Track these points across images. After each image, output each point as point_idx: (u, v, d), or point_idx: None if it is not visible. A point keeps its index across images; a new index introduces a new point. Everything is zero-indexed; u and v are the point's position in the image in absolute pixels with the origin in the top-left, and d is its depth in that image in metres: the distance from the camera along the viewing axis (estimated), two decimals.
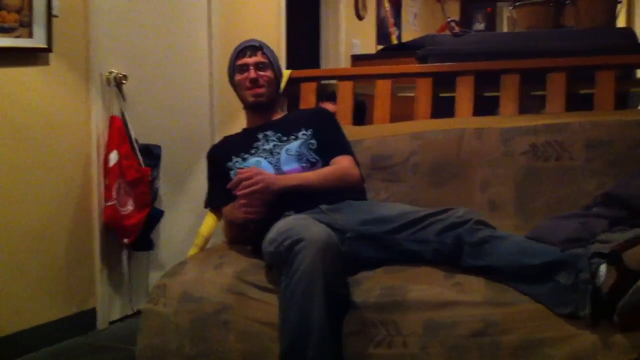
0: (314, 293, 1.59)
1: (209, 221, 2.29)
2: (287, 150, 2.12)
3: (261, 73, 2.18)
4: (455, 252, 1.70)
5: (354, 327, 1.67)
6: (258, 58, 2.19)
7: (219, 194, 2.17)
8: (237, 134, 2.29)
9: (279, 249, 1.68)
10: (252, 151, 2.15)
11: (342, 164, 2.13)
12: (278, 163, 2.09)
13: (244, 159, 2.14)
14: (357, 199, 2.05)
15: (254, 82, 2.16)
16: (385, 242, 1.81)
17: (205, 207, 2.29)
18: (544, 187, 2.16)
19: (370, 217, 1.86)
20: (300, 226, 1.70)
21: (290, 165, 2.09)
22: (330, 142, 2.17)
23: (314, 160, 2.12)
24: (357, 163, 2.19)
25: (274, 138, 2.15)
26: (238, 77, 2.20)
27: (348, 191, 2.05)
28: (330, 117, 2.32)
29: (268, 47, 2.25)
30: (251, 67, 2.17)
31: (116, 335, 2.90)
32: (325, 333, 1.59)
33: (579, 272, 1.54)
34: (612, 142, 2.13)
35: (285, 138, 2.15)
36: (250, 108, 2.23)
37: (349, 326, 1.67)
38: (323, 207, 1.95)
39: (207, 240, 2.24)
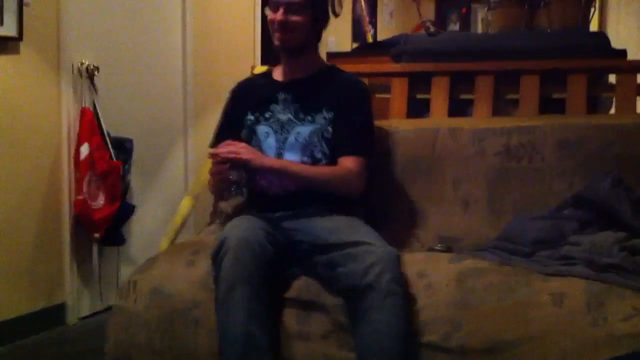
0: (232, 303, 1.62)
1: (182, 211, 2.27)
2: (297, 133, 1.97)
3: (292, 17, 1.93)
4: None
5: (325, 329, 1.67)
6: None
7: (224, 136, 2.03)
8: (264, 78, 2.14)
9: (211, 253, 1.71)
10: (267, 114, 2.01)
11: (345, 167, 1.94)
12: (283, 145, 1.97)
13: (258, 121, 2.02)
14: (334, 211, 1.91)
15: (281, 26, 1.94)
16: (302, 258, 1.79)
17: (211, 147, 2.09)
18: (515, 186, 2.18)
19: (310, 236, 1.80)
20: (227, 230, 1.71)
21: (292, 155, 1.96)
22: (345, 135, 1.96)
23: (319, 156, 1.97)
24: (367, 168, 1.97)
25: (292, 109, 1.99)
26: (269, 14, 1.98)
27: (332, 201, 1.93)
28: (363, 98, 2.05)
29: None
30: (281, 7, 1.93)
31: (86, 331, 2.86)
32: (251, 341, 1.60)
33: None
34: (582, 144, 2.16)
35: (302, 115, 1.98)
36: (280, 52, 2.04)
37: (320, 329, 1.68)
38: (279, 214, 1.91)
39: (179, 230, 2.23)
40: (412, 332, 1.61)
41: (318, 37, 2.05)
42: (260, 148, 2.00)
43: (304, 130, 1.98)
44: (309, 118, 1.99)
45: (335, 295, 1.69)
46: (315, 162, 1.97)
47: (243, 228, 1.71)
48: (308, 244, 1.78)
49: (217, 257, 1.69)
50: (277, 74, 2.10)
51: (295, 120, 1.99)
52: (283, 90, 2.04)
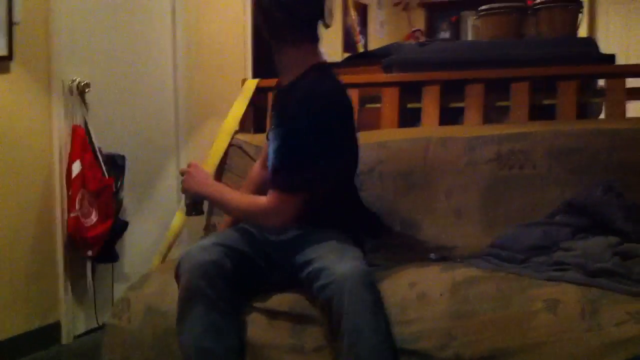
0: (188, 320, 1.68)
1: (175, 226, 2.27)
2: (271, 152, 1.88)
3: (258, 6, 1.86)
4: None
5: (319, 342, 1.66)
6: None
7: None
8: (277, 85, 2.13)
9: None
10: (271, 129, 1.93)
11: (260, 202, 1.81)
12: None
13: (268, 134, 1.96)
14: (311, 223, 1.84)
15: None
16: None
17: None
18: (508, 195, 2.18)
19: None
20: (183, 253, 1.76)
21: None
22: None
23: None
24: (290, 203, 1.76)
25: (273, 122, 1.93)
26: None
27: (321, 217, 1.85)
28: (302, 115, 1.74)
29: None
30: None
31: (81, 350, 2.85)
32: (205, 355, 1.65)
33: None
34: (573, 151, 2.16)
35: (273, 129, 1.89)
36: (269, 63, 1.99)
37: (313, 342, 1.67)
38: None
39: (171, 246, 2.23)
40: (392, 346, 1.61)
41: (292, 36, 1.83)
42: None
43: (270, 149, 1.87)
44: (271, 136, 1.87)
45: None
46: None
47: (198, 249, 1.74)
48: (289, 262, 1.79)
49: (177, 280, 1.74)
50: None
51: (271, 136, 1.90)
52: (274, 100, 2.05)
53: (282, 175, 1.77)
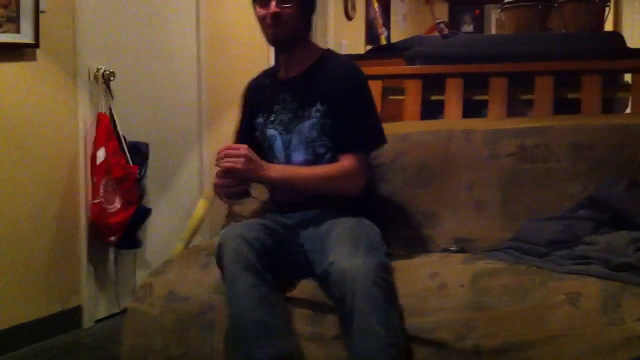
0: (239, 294, 1.65)
1: (198, 214, 2.28)
2: (299, 131, 1.94)
3: (285, 7, 1.89)
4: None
5: (339, 331, 1.66)
6: None
7: (242, 139, 2.06)
8: (269, 76, 2.10)
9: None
10: (273, 117, 2.00)
11: (342, 166, 1.89)
12: (289, 147, 1.95)
13: (266, 125, 2.01)
14: (336, 209, 1.88)
15: (274, 18, 1.89)
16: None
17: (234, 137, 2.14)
18: (530, 188, 2.17)
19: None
20: (223, 233, 1.76)
21: (298, 155, 1.94)
22: (342, 131, 1.90)
23: (321, 151, 1.93)
24: (365, 164, 1.94)
25: (291, 107, 1.96)
26: (259, 10, 1.94)
27: (340, 203, 1.90)
28: (357, 85, 1.95)
29: None
30: (272, 1, 1.89)
31: (102, 334, 2.88)
32: (261, 327, 1.62)
33: None
34: (597, 146, 2.14)
35: (300, 112, 1.94)
36: (276, 49, 2.03)
37: (333, 330, 1.68)
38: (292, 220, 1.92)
39: (194, 233, 2.24)
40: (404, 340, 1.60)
41: (309, 28, 2.01)
42: (272, 151, 2.01)
43: (303, 127, 1.94)
44: (306, 114, 1.94)
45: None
46: (318, 158, 1.93)
47: (239, 227, 1.75)
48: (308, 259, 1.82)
49: (220, 260, 1.74)
50: (279, 73, 2.07)
51: (295, 119, 1.96)
52: (282, 89, 2.01)
53: (360, 137, 1.92)
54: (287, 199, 2.00)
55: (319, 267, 1.72)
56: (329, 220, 1.85)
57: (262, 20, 1.95)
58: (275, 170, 1.89)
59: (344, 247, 1.68)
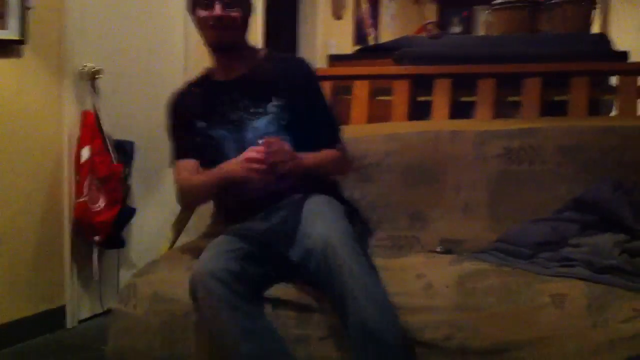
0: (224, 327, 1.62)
1: (182, 214, 2.27)
2: (253, 128, 1.92)
3: (229, 11, 1.90)
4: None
5: (324, 332, 1.66)
6: None
7: (180, 146, 2.00)
8: (202, 83, 2.06)
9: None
10: (218, 118, 1.96)
11: (340, 152, 1.99)
12: (243, 145, 1.88)
13: (210, 127, 1.96)
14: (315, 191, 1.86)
15: (219, 21, 1.89)
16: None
17: (172, 163, 2.05)
18: (516, 190, 2.18)
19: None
20: (194, 270, 1.69)
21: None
22: (315, 126, 1.95)
23: None
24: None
25: (241, 106, 1.95)
26: (201, 12, 1.92)
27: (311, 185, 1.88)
28: (315, 79, 2.02)
29: None
30: (217, 3, 1.88)
31: (85, 334, 2.86)
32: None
33: None
34: (583, 147, 2.15)
35: (253, 109, 1.93)
36: (214, 50, 1.99)
37: (318, 331, 1.67)
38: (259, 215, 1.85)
39: (179, 234, 2.22)
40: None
41: (248, 29, 2.01)
42: (221, 152, 1.95)
43: (260, 123, 1.93)
44: (260, 110, 1.93)
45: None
46: None
47: (207, 260, 1.68)
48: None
49: (194, 298, 1.68)
50: (217, 76, 2.04)
51: (247, 116, 1.94)
52: (227, 89, 1.98)
53: (335, 130, 2.02)
54: (252, 195, 1.90)
55: (299, 247, 1.68)
56: (308, 197, 1.82)
57: (203, 21, 1.93)
58: (305, 158, 1.87)
59: (319, 220, 1.68)
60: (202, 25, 1.94)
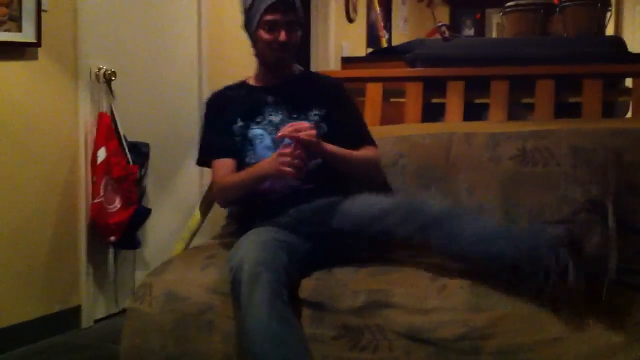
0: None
1: (197, 215, 2.28)
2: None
3: (292, 34, 1.96)
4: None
5: (337, 331, 1.67)
6: (290, 17, 1.94)
7: (218, 145, 2.02)
8: (242, 87, 2.11)
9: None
10: (259, 118, 2.01)
11: (374, 154, 2.08)
12: (279, 143, 1.90)
13: (248, 126, 2.00)
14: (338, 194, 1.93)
15: (284, 46, 1.95)
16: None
17: (200, 161, 2.11)
18: (530, 192, 2.16)
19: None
20: (237, 259, 1.71)
21: None
22: (350, 130, 2.05)
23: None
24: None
25: (283, 109, 2.01)
26: (264, 35, 1.95)
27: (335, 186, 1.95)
28: (348, 97, 2.15)
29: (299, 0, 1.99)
30: (282, 29, 1.93)
31: (101, 334, 2.88)
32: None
33: (547, 275, 1.55)
34: (597, 150, 2.14)
35: (295, 115, 1.99)
36: (269, 67, 2.04)
37: (332, 330, 1.68)
38: (292, 211, 1.90)
39: (194, 234, 2.24)
40: None
41: None
42: (254, 151, 1.99)
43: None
44: (302, 116, 1.99)
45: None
46: (313, 158, 1.93)
47: (255, 245, 1.71)
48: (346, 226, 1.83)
49: (237, 286, 1.68)
50: (257, 82, 2.10)
51: (288, 119, 1.98)
52: (270, 93, 2.03)
53: (370, 135, 2.13)
54: (278, 193, 1.94)
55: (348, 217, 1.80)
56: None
57: (266, 43, 1.97)
58: (329, 145, 1.90)
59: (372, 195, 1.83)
60: (264, 46, 1.98)
